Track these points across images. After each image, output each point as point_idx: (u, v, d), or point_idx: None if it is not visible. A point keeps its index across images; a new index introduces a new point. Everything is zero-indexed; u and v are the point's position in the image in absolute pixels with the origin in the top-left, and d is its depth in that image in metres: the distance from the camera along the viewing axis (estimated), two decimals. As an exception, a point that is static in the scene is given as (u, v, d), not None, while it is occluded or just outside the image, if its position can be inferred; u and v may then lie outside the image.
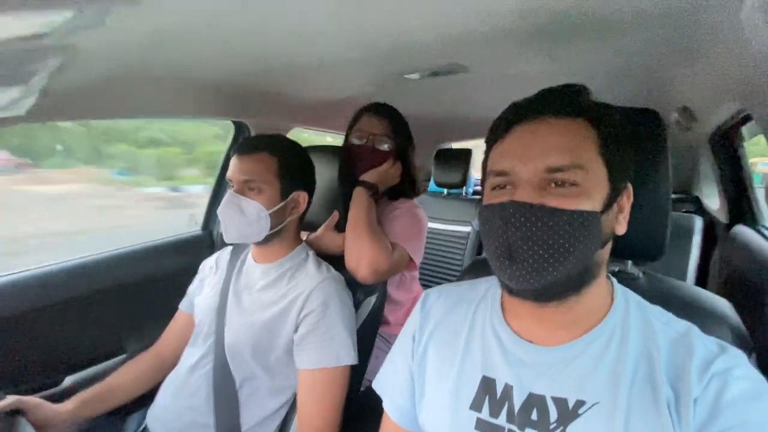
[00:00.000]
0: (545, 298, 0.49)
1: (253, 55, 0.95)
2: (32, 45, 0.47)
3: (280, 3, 0.65)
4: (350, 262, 0.99)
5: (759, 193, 1.36)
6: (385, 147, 1.15)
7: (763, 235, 1.25)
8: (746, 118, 1.12)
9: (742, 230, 1.32)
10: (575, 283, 0.49)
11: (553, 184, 0.47)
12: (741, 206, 1.40)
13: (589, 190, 0.47)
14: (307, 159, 0.97)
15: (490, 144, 0.55)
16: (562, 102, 0.51)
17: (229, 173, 0.89)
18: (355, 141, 1.15)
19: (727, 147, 1.36)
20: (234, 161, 0.89)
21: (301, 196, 0.93)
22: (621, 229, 0.52)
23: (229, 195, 0.87)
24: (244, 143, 0.92)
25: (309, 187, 0.96)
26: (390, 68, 1.12)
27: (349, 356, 0.86)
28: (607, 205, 0.48)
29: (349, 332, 0.87)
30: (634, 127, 0.61)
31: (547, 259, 0.46)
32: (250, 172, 0.87)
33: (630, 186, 0.53)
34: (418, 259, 1.14)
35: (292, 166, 0.91)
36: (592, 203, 0.47)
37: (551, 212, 0.46)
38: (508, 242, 0.47)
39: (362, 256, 0.97)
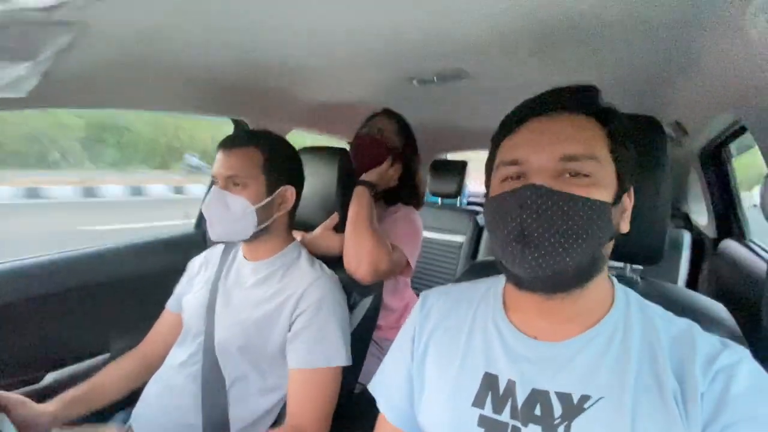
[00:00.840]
0: (554, 288, 0.49)
1: (255, 55, 0.95)
2: (45, 17, 0.47)
3: (283, 4, 0.66)
4: (350, 260, 0.98)
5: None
6: (396, 144, 1.18)
7: (750, 248, 1.28)
8: (738, 132, 1.16)
9: (730, 244, 1.35)
10: (583, 275, 0.49)
11: (567, 174, 0.48)
12: (728, 221, 1.44)
13: (602, 182, 0.48)
14: (294, 153, 0.96)
15: (499, 140, 0.56)
16: (574, 100, 0.52)
17: (214, 169, 0.87)
18: (363, 132, 1.20)
19: (716, 162, 1.40)
20: (218, 157, 0.87)
21: (289, 191, 0.91)
22: (624, 227, 0.53)
23: (213, 191, 0.85)
24: (228, 138, 0.90)
25: (297, 182, 0.94)
26: (392, 73, 1.13)
27: (340, 357, 0.83)
28: (616, 200, 0.49)
29: (342, 333, 0.85)
30: (637, 134, 0.63)
31: (562, 243, 0.46)
32: (235, 167, 0.85)
33: (632, 189, 0.54)
34: (413, 263, 1.14)
35: (278, 161, 0.90)
36: (605, 195, 0.48)
37: (568, 197, 0.46)
38: (522, 226, 0.47)
39: (363, 255, 0.96)
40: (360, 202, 1.03)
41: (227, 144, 0.88)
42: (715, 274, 1.44)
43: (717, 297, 0.64)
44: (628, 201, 0.53)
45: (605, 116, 0.52)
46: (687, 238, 1.63)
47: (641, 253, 0.65)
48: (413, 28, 0.79)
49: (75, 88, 0.88)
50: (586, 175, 0.48)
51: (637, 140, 0.62)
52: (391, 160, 1.15)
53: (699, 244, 1.64)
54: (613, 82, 1.11)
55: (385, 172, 1.13)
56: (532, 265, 0.47)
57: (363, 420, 0.68)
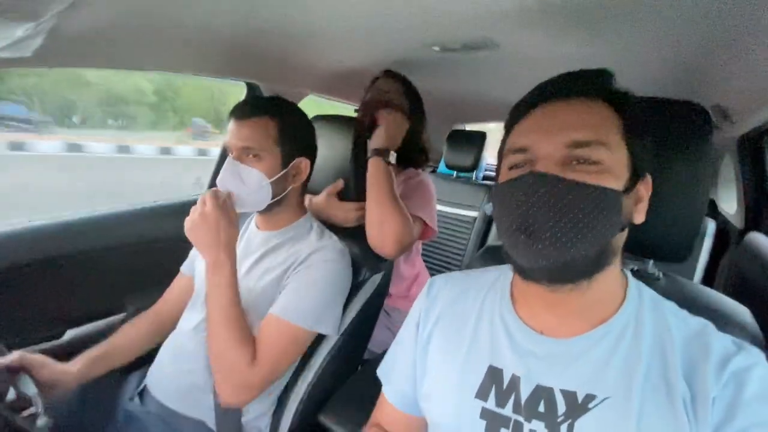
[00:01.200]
0: (559, 279, 0.47)
1: (271, 16, 0.90)
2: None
3: None
4: (373, 238, 0.97)
5: None
6: (401, 104, 1.14)
7: None
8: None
9: (757, 237, 1.30)
10: (590, 266, 0.46)
11: (575, 162, 0.45)
12: (759, 213, 1.37)
13: (613, 169, 0.45)
14: (308, 123, 0.93)
15: (510, 126, 0.53)
16: (586, 84, 0.49)
17: (227, 139, 0.85)
18: (371, 97, 1.16)
19: (754, 152, 1.32)
20: (231, 126, 0.84)
21: (303, 163, 0.90)
22: (639, 218, 0.50)
23: (228, 163, 0.83)
24: (240, 107, 0.87)
25: (311, 153, 0.92)
26: (416, 39, 1.06)
27: (314, 322, 0.81)
28: (628, 189, 0.47)
29: (329, 301, 0.84)
30: (671, 121, 0.58)
31: (566, 233, 0.43)
32: (249, 139, 0.83)
33: (649, 177, 0.51)
34: (435, 226, 1.14)
35: (293, 131, 0.87)
36: (615, 182, 0.45)
37: (574, 185, 0.44)
38: (526, 215, 0.45)
39: (389, 233, 0.95)
40: (377, 175, 0.99)
41: (241, 113, 0.85)
42: (737, 266, 1.40)
43: (735, 290, 0.62)
44: (644, 191, 0.50)
45: (619, 101, 0.49)
46: (711, 226, 1.56)
47: (670, 249, 0.61)
48: None
49: (83, 47, 0.85)
50: (595, 162, 0.45)
51: (673, 126, 0.58)
52: (390, 112, 1.09)
53: (723, 234, 1.58)
54: (648, 60, 1.03)
55: (391, 128, 1.07)
56: (536, 256, 0.45)
57: (372, 388, 0.69)
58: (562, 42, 0.97)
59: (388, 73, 1.20)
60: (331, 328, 0.85)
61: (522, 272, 0.50)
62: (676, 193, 0.56)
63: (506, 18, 0.84)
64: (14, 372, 0.70)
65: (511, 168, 0.50)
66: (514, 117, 0.53)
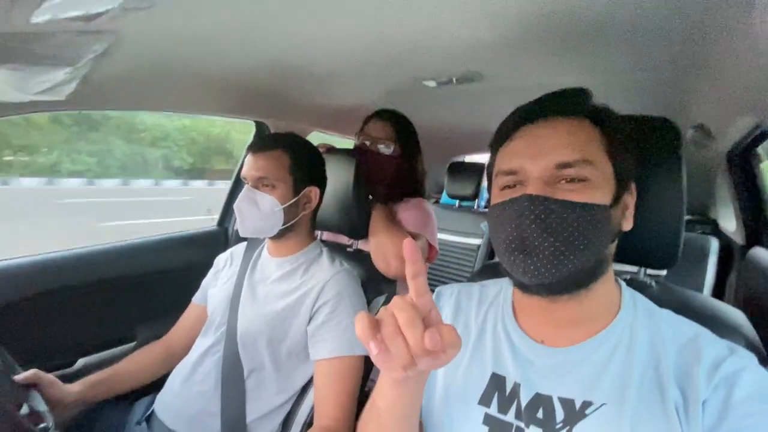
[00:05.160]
0: (558, 291, 0.50)
1: (277, 61, 0.99)
2: (81, 27, 0.52)
3: (301, 9, 0.69)
4: (379, 263, 1.02)
5: None
6: (389, 151, 1.18)
7: None
8: (763, 135, 1.12)
9: (759, 252, 1.30)
10: (587, 277, 0.49)
11: (563, 181, 0.48)
12: (758, 227, 1.38)
13: (599, 185, 0.48)
14: (318, 155, 1.00)
15: (496, 147, 0.57)
16: (566, 103, 0.53)
17: (244, 171, 0.92)
18: (361, 144, 1.21)
19: (744, 166, 1.35)
20: (248, 159, 0.92)
21: (313, 192, 0.96)
22: (627, 225, 0.53)
23: (245, 190, 0.90)
24: (258, 141, 0.97)
25: (320, 183, 0.99)
26: (406, 75, 1.14)
27: (362, 347, 0.85)
28: (616, 200, 0.49)
29: None
30: (648, 136, 0.62)
31: (563, 251, 0.46)
32: (264, 169, 0.90)
33: (634, 185, 0.54)
34: (436, 244, 1.17)
35: (304, 163, 0.95)
36: (602, 197, 0.48)
37: (565, 204, 0.47)
38: (522, 236, 0.48)
39: (387, 252, 1.00)
40: (379, 216, 1.07)
41: (257, 147, 0.93)
42: (744, 282, 1.38)
43: (744, 306, 0.62)
44: (630, 199, 0.53)
45: (598, 117, 0.52)
46: (714, 244, 1.56)
47: (655, 257, 0.64)
48: (424, 32, 0.81)
49: (110, 91, 0.95)
50: (582, 180, 0.48)
51: (649, 141, 0.62)
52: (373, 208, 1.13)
53: (727, 251, 1.58)
54: (629, 84, 1.09)
55: (378, 221, 1.10)
56: (535, 274, 0.47)
57: None
58: (545, 70, 1.03)
59: (379, 114, 1.23)
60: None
61: (522, 287, 0.53)
62: (655, 203, 0.59)
63: (486, 51, 0.92)
64: (27, 388, 0.74)
65: (503, 188, 0.53)
66: (499, 139, 0.56)
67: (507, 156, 0.53)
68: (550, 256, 0.46)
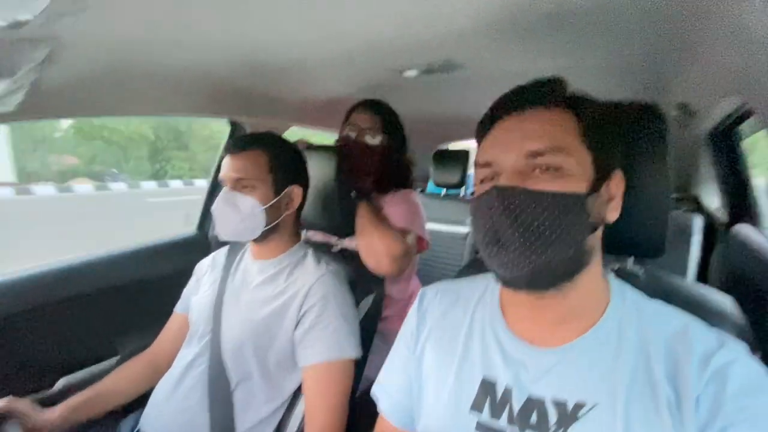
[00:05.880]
0: (538, 286, 0.48)
1: (247, 54, 0.94)
2: (14, 35, 0.47)
3: (270, 5, 0.65)
4: (369, 262, 1.00)
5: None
6: (375, 141, 1.15)
7: (763, 233, 1.24)
8: (746, 114, 1.11)
9: (743, 229, 1.31)
10: (567, 270, 0.48)
11: (537, 171, 0.47)
12: (740, 205, 1.39)
13: (574, 173, 0.47)
14: (299, 154, 0.97)
15: (478, 142, 0.56)
16: (540, 93, 0.52)
17: (222, 173, 0.88)
18: (347, 135, 1.17)
19: (726, 144, 1.35)
20: (226, 160, 0.88)
21: (295, 191, 0.93)
22: (612, 216, 0.51)
23: (224, 192, 0.87)
24: (234, 142, 0.92)
25: (302, 181, 0.95)
26: (385, 65, 1.11)
27: (352, 349, 0.85)
28: (593, 189, 0.48)
29: (351, 326, 0.87)
30: (633, 123, 0.60)
31: (533, 242, 0.45)
32: (242, 170, 0.86)
33: (620, 173, 0.52)
34: (426, 236, 1.16)
35: (284, 161, 0.91)
36: (577, 186, 0.47)
37: (533, 194, 0.45)
38: (495, 228, 0.47)
39: (376, 251, 0.99)
40: (364, 214, 1.05)
41: (233, 148, 0.89)
42: (727, 260, 1.40)
43: (727, 284, 0.62)
44: (615, 188, 0.52)
45: (574, 104, 0.51)
46: (698, 222, 1.57)
47: (643, 246, 0.63)
48: (398, 21, 0.78)
49: (65, 99, 0.89)
50: (556, 168, 0.47)
51: (634, 128, 0.60)
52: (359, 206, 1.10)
53: (710, 228, 1.59)
54: (611, 65, 1.08)
55: (363, 219, 1.07)
56: (509, 266, 0.47)
57: (369, 416, 0.69)
58: (522, 58, 1.01)
59: (364, 104, 1.20)
60: (358, 349, 0.87)
61: (502, 281, 0.51)
62: (641, 193, 0.58)
63: (464, 39, 0.89)
64: (2, 419, 0.71)
65: (481, 181, 0.52)
66: (480, 133, 0.55)
67: (483, 149, 0.53)
68: (521, 247, 0.45)
